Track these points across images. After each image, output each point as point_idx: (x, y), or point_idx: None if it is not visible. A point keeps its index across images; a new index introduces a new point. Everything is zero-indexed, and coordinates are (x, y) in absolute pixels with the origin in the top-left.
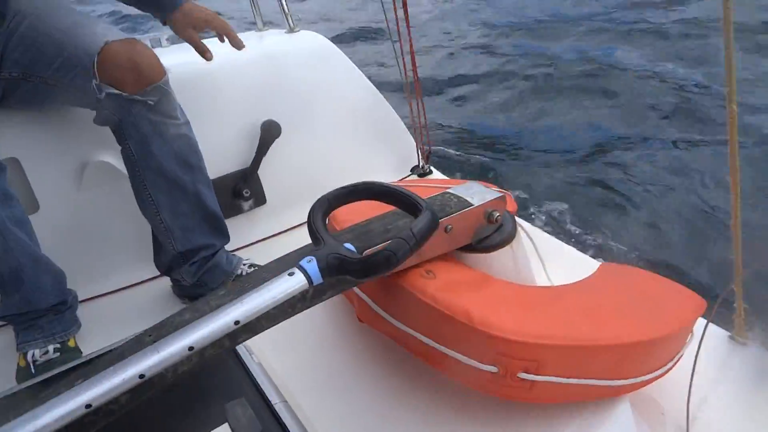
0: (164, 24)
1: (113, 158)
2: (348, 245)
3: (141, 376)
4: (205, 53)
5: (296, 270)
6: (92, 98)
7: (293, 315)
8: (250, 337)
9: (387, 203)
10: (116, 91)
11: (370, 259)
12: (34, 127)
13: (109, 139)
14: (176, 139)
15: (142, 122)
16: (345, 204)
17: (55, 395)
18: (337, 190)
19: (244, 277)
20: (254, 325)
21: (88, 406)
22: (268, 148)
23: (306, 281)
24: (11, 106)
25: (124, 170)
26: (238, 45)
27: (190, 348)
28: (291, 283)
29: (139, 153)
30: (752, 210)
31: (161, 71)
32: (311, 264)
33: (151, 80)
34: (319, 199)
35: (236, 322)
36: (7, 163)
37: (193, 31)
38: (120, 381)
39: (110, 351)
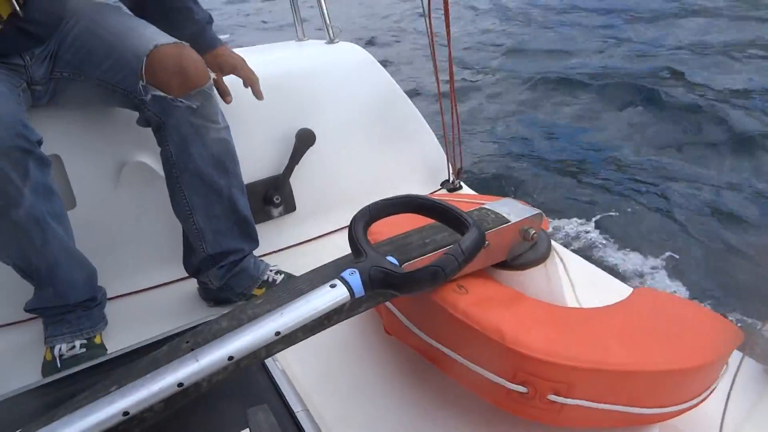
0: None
1: (151, 159)
2: (391, 258)
3: (180, 384)
4: (225, 96)
5: (338, 282)
6: (137, 100)
7: (329, 327)
8: (285, 348)
9: (431, 218)
10: (162, 94)
11: (416, 274)
12: (78, 125)
13: (148, 140)
14: (215, 144)
15: (183, 125)
16: (386, 216)
17: (92, 400)
18: (380, 201)
19: (278, 286)
20: (291, 336)
21: (125, 413)
22: (301, 156)
23: (348, 293)
24: (59, 105)
25: (161, 172)
26: (258, 96)
27: (230, 358)
28: (333, 295)
29: (177, 155)
30: None
31: (206, 76)
32: (354, 276)
33: (196, 84)
34: (360, 210)
35: (277, 333)
36: (51, 160)
37: (220, 73)
38: (158, 389)
39: (145, 355)
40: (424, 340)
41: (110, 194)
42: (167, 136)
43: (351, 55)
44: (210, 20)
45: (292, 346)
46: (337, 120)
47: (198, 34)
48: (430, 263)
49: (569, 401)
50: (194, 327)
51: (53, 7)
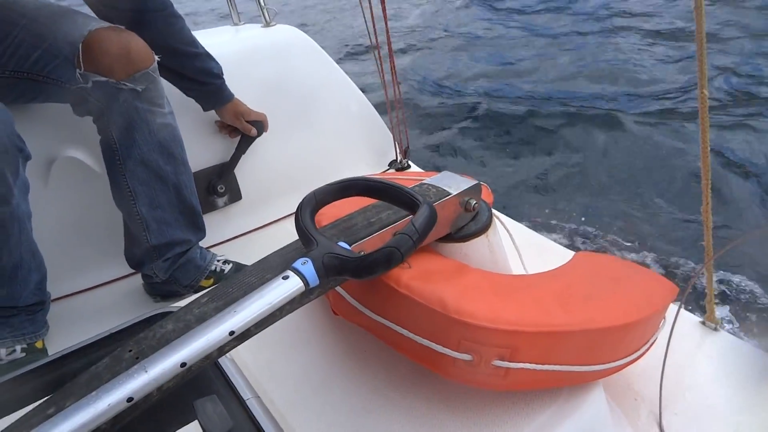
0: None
1: (82, 154)
2: (342, 243)
3: (129, 399)
4: (250, 131)
5: (291, 273)
6: (75, 89)
7: (281, 318)
8: (238, 345)
9: (380, 199)
10: (104, 79)
11: (371, 257)
12: None
13: (76, 135)
14: (161, 129)
15: (128, 110)
16: (333, 201)
17: (29, 428)
18: (325, 186)
19: (225, 282)
20: (245, 333)
21: None
22: (248, 146)
23: (302, 284)
24: None
25: (94, 166)
26: (251, 132)
27: (183, 364)
28: (286, 287)
29: (121, 141)
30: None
31: (151, 58)
32: (307, 266)
33: (140, 66)
34: (306, 197)
35: (231, 333)
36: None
37: (236, 120)
38: (105, 407)
39: (85, 365)
40: (371, 318)
41: (40, 193)
42: (110, 122)
43: (288, 37)
44: (223, 73)
45: None
46: (278, 104)
47: (221, 87)
48: (384, 244)
49: (514, 365)
50: (135, 324)
51: None
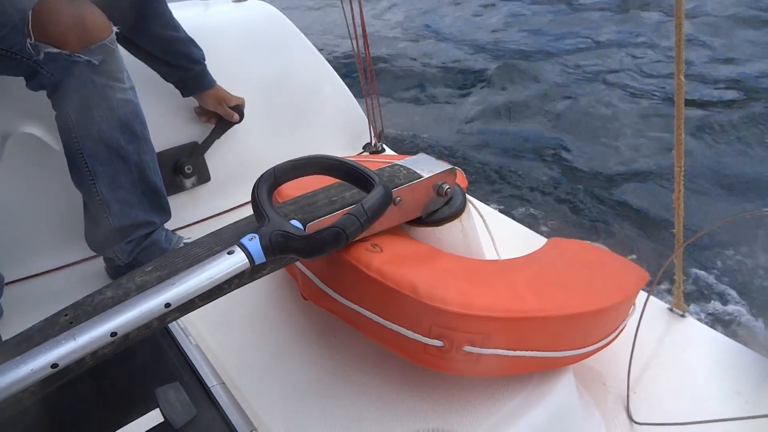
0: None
1: (38, 130)
2: (295, 222)
3: (54, 365)
4: (233, 117)
5: (236, 248)
6: (25, 61)
7: (229, 292)
8: (182, 316)
9: (338, 178)
10: (56, 50)
11: (317, 237)
12: None
13: (31, 109)
14: (121, 105)
15: (84, 84)
16: (293, 178)
17: None
18: (284, 163)
19: (173, 252)
20: (187, 305)
21: None
22: (224, 132)
23: (247, 260)
24: None
25: (50, 143)
26: (233, 118)
27: (113, 334)
28: (230, 263)
29: (78, 118)
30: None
31: (108, 28)
32: (253, 242)
33: (96, 37)
34: (265, 172)
35: (167, 305)
36: None
37: (220, 106)
38: (28, 371)
39: (19, 332)
40: (340, 303)
41: None
42: (65, 98)
43: (261, 13)
44: (205, 59)
45: (206, 320)
46: (249, 84)
47: (202, 73)
48: (331, 224)
49: (485, 351)
50: None
51: None
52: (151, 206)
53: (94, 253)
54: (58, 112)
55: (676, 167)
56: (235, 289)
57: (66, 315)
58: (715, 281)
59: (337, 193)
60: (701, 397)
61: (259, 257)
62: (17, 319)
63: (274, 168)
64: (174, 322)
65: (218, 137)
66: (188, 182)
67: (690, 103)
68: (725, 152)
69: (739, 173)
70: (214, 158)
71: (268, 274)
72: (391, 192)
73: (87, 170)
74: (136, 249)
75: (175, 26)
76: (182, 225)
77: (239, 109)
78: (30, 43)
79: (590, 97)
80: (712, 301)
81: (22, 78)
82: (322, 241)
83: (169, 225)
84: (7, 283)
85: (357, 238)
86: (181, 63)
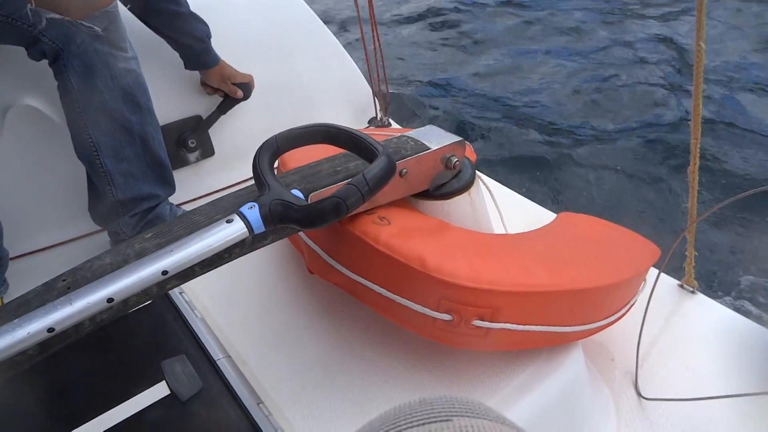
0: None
1: (39, 102)
2: (296, 191)
3: (50, 329)
4: (236, 93)
5: (236, 217)
6: (26, 28)
7: (230, 261)
8: (181, 284)
9: (340, 147)
10: (59, 16)
11: (317, 207)
12: None
13: (32, 81)
14: (124, 75)
15: (87, 52)
16: (295, 147)
17: None
18: (287, 131)
19: (173, 220)
20: (187, 272)
21: None
22: (230, 108)
23: (246, 229)
24: None
25: (52, 115)
26: (237, 94)
27: (110, 300)
28: (229, 231)
29: (80, 88)
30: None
31: None
32: (253, 211)
33: (99, 4)
34: (266, 141)
35: (164, 272)
36: None
37: (224, 83)
38: (24, 335)
39: (19, 296)
40: (347, 276)
41: None
42: (67, 66)
43: None
44: (210, 36)
45: (212, 293)
46: (254, 59)
47: (205, 50)
48: (331, 194)
49: (494, 325)
50: None
51: None
52: (156, 179)
53: (99, 227)
54: (59, 81)
55: (693, 139)
56: (236, 257)
57: (64, 280)
58: (726, 257)
59: (341, 163)
60: (710, 373)
61: (259, 226)
62: (22, 293)
63: (276, 136)
64: (179, 296)
65: (223, 113)
66: (192, 156)
67: (712, 71)
68: (743, 124)
69: (756, 146)
70: (218, 132)
71: (270, 243)
72: (395, 162)
73: (90, 142)
74: (140, 222)
75: (177, 0)
76: (186, 200)
77: (246, 86)
78: (31, 9)
79: (605, 68)
80: (723, 278)
81: (20, 49)
82: (322, 211)
83: (173, 199)
84: (12, 258)
85: (362, 210)
86: (182, 39)
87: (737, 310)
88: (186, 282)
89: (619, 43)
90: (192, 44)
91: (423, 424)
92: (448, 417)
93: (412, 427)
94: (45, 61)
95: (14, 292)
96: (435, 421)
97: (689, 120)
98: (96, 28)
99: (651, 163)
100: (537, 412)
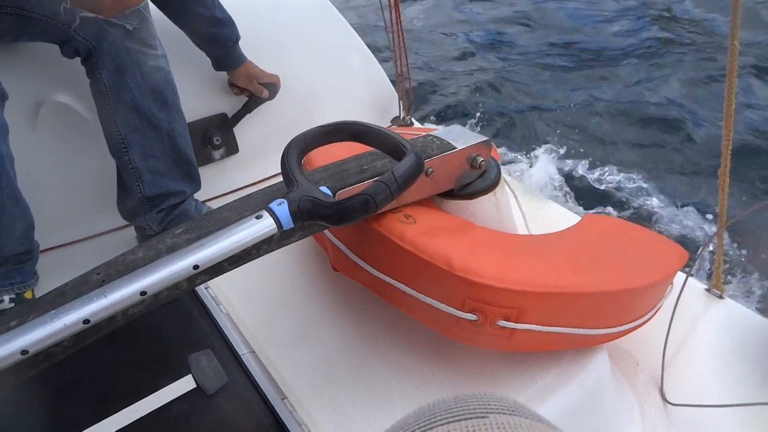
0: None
1: (71, 99)
2: (324, 188)
3: (86, 321)
4: (262, 93)
5: (265, 213)
6: (61, 26)
7: (258, 257)
8: (211, 279)
9: (368, 145)
10: (92, 15)
11: (345, 204)
12: None
13: (65, 79)
14: (154, 72)
15: (118, 50)
16: (322, 144)
17: None
18: (315, 128)
19: (203, 215)
20: (216, 267)
21: (24, 351)
22: (256, 106)
23: (275, 225)
24: None
25: (84, 112)
26: (263, 94)
27: (143, 293)
28: (258, 227)
29: (111, 84)
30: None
31: None
32: (281, 207)
33: (130, 2)
34: (295, 138)
35: (195, 267)
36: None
37: (249, 83)
38: (61, 326)
39: (56, 288)
40: (372, 274)
41: (28, 140)
42: (99, 64)
43: None
44: (239, 38)
45: (237, 289)
46: (280, 56)
47: (229, 52)
48: (360, 192)
49: (520, 326)
50: None
51: None
52: (182, 176)
53: (126, 223)
54: (91, 78)
55: (724, 140)
56: (264, 254)
57: (98, 273)
58: (756, 262)
59: (368, 161)
60: (737, 379)
61: (287, 222)
62: (52, 285)
63: (304, 133)
64: (205, 291)
65: (249, 112)
66: (217, 153)
67: (748, 70)
68: None
69: None
70: (242, 130)
71: (297, 240)
72: (423, 161)
73: (120, 138)
74: (166, 218)
75: (203, 2)
76: (211, 196)
77: (272, 86)
78: (66, 8)
79: (633, 60)
80: (752, 283)
81: (52, 47)
82: (351, 208)
83: (198, 196)
84: (42, 251)
85: (388, 209)
86: (204, 43)
87: (767, 315)
88: (215, 277)
89: (651, 36)
90: (210, 50)
91: (459, 420)
92: (485, 414)
93: (448, 423)
94: (77, 59)
95: (43, 284)
96: (471, 418)
97: (720, 122)
98: (128, 25)
99: (679, 165)
100: (560, 414)
